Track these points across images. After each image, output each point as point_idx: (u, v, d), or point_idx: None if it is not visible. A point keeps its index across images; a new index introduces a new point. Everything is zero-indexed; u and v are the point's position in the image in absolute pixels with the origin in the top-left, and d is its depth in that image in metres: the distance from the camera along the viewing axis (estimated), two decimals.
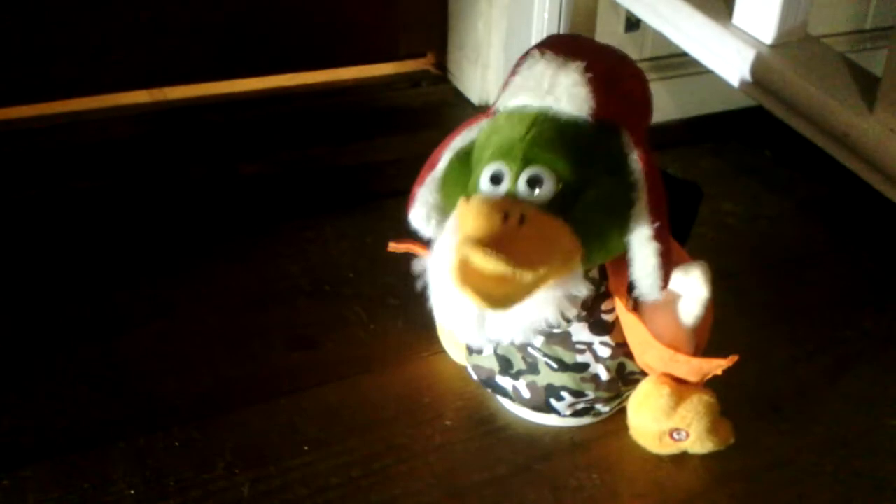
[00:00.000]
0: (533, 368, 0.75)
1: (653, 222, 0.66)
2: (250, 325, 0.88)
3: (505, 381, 0.77)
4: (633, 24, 1.17)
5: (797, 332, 0.92)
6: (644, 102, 0.73)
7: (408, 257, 0.77)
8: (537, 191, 0.65)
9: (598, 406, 0.77)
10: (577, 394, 0.75)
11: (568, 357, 0.74)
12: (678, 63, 1.20)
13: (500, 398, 0.81)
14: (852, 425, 0.82)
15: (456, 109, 1.27)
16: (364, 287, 0.94)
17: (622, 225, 0.67)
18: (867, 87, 0.87)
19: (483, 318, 0.66)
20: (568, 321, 0.70)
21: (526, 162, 0.65)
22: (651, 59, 1.21)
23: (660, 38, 1.08)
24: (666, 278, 0.67)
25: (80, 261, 0.95)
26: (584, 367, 0.74)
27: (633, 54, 1.19)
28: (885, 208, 0.89)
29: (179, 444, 0.75)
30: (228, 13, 1.17)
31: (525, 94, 0.68)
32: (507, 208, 0.64)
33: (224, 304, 0.91)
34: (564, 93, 0.66)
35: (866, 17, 1.30)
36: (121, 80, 1.17)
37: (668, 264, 0.67)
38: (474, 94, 1.26)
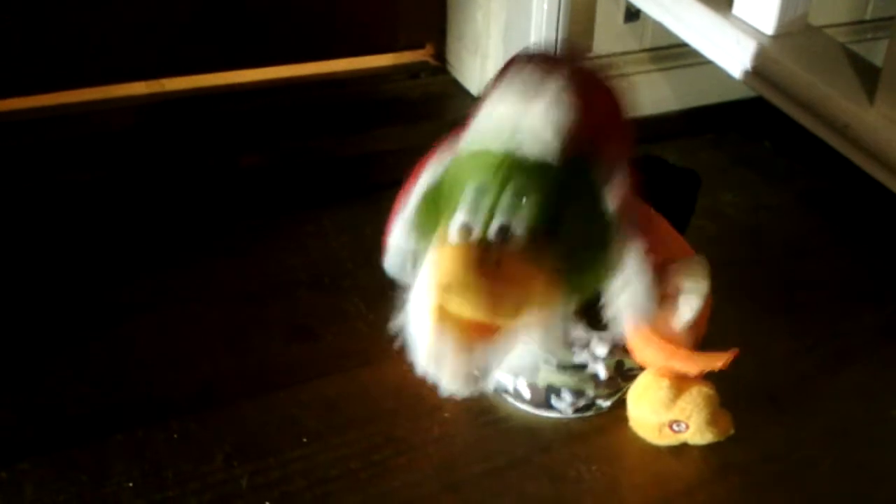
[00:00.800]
0: (534, 368, 0.75)
1: (633, 256, 0.65)
2: (249, 317, 0.88)
3: (506, 380, 0.77)
4: (632, 14, 1.16)
5: (796, 324, 0.92)
6: (617, 121, 0.71)
7: None
8: (509, 238, 0.63)
9: (599, 402, 0.78)
10: (577, 393, 0.75)
11: (566, 358, 0.74)
12: (678, 53, 1.20)
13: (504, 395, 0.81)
14: (852, 418, 0.82)
15: (455, 100, 1.26)
16: (363, 279, 0.94)
17: (599, 263, 0.65)
18: (868, 77, 0.86)
19: (468, 368, 0.65)
20: (551, 363, 0.70)
21: (494, 211, 0.63)
22: (651, 50, 1.20)
23: (659, 28, 1.07)
24: (649, 313, 0.66)
25: (79, 253, 0.95)
26: (583, 366, 0.74)
27: (633, 45, 1.19)
28: (885, 200, 0.89)
29: (178, 437, 0.75)
30: (226, 4, 1.16)
31: (489, 137, 0.65)
32: (482, 252, 0.63)
33: (223, 297, 0.91)
34: (528, 136, 0.63)
35: (867, 8, 1.30)
36: (118, 72, 1.17)
37: (653, 294, 0.66)
38: (473, 84, 1.26)
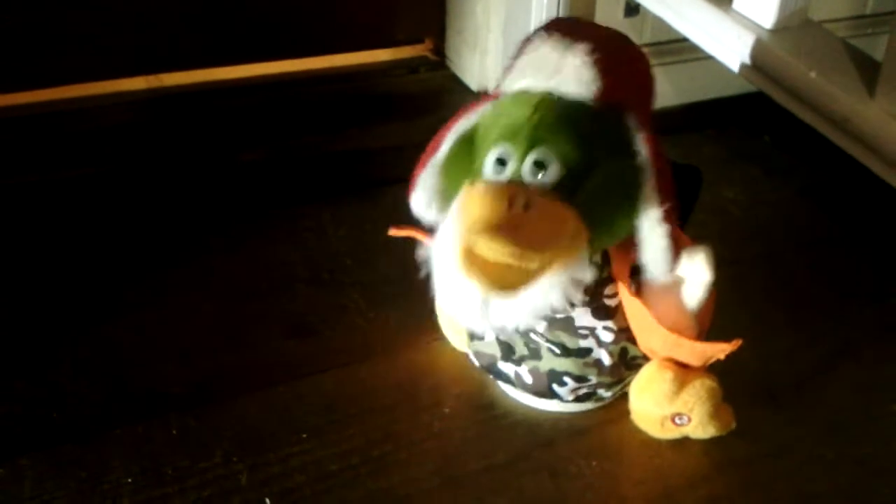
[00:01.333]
0: (535, 354, 0.75)
1: (661, 205, 0.66)
2: (248, 312, 0.88)
3: (507, 367, 0.77)
4: (632, 8, 1.16)
5: (797, 319, 0.92)
6: (648, 86, 0.73)
7: (406, 245, 0.76)
8: (542, 174, 0.64)
9: (601, 391, 0.77)
10: (580, 379, 0.75)
11: (571, 342, 0.74)
12: (678, 48, 1.20)
13: (501, 384, 0.80)
14: (853, 413, 0.82)
15: (454, 95, 1.26)
16: (362, 275, 0.93)
17: (628, 208, 0.67)
18: (868, 72, 0.86)
19: (487, 305, 0.66)
20: (573, 305, 0.70)
21: (531, 144, 0.65)
22: (650, 45, 1.20)
23: (659, 23, 1.07)
24: (675, 259, 0.67)
25: (77, 248, 0.95)
26: (587, 351, 0.74)
27: (633, 39, 1.19)
28: (885, 194, 0.89)
29: (177, 432, 0.75)
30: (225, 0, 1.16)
31: (530, 76, 0.67)
32: (512, 194, 0.63)
33: (222, 292, 0.91)
34: (570, 74, 0.65)
35: (866, 2, 1.30)
36: (117, 67, 1.17)
37: (676, 245, 0.67)
38: (473, 79, 1.26)
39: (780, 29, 0.92)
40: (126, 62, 1.17)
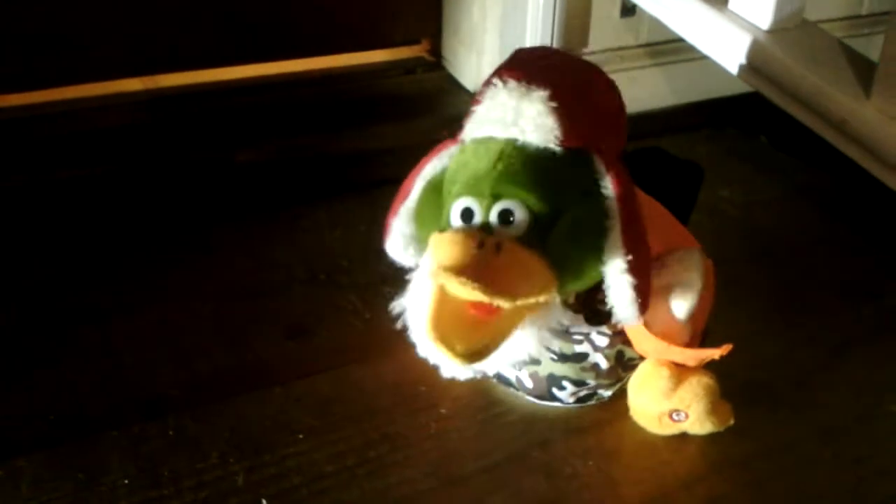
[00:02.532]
0: (534, 359, 0.75)
1: (626, 254, 0.64)
2: (245, 313, 0.88)
3: (508, 372, 0.78)
4: (628, 9, 1.16)
5: (794, 319, 0.92)
6: (616, 119, 0.72)
7: None
8: (510, 223, 0.64)
9: (601, 391, 0.78)
10: (579, 383, 0.75)
11: (567, 348, 0.74)
12: (674, 49, 1.20)
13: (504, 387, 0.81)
14: (851, 412, 0.82)
15: (451, 96, 1.26)
16: (359, 275, 0.93)
17: (597, 254, 0.65)
18: (864, 72, 0.86)
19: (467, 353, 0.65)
20: (551, 351, 0.69)
21: (495, 197, 0.64)
22: (647, 45, 1.20)
23: (656, 23, 1.07)
24: (642, 308, 0.66)
25: (73, 249, 0.95)
26: (584, 356, 0.74)
27: (629, 40, 1.19)
28: (881, 194, 0.89)
29: (174, 433, 0.75)
30: (221, 0, 1.16)
31: (490, 126, 0.66)
32: (482, 237, 0.63)
33: (219, 293, 0.90)
34: (529, 124, 0.64)
35: (862, 2, 1.30)
36: (113, 68, 1.17)
37: (644, 295, 0.66)
38: (469, 80, 1.26)
39: (777, 29, 0.92)
40: (122, 63, 1.16)
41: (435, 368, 0.82)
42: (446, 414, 0.79)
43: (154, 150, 1.11)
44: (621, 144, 0.72)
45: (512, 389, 0.80)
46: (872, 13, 1.30)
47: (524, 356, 0.67)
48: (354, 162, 1.12)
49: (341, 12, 1.24)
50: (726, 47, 0.94)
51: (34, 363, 0.81)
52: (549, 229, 0.64)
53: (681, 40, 1.03)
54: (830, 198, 1.12)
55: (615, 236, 0.65)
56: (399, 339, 0.85)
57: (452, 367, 0.65)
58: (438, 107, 1.23)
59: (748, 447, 0.77)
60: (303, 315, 0.88)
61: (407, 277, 0.71)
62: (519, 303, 0.62)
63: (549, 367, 0.75)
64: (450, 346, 0.62)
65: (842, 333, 0.90)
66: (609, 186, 0.65)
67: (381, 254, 0.93)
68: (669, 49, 1.20)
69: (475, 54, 1.23)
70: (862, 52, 0.91)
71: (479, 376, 0.75)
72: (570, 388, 0.76)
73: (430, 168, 0.71)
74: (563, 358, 0.74)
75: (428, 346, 0.65)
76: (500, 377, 0.79)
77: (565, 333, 0.73)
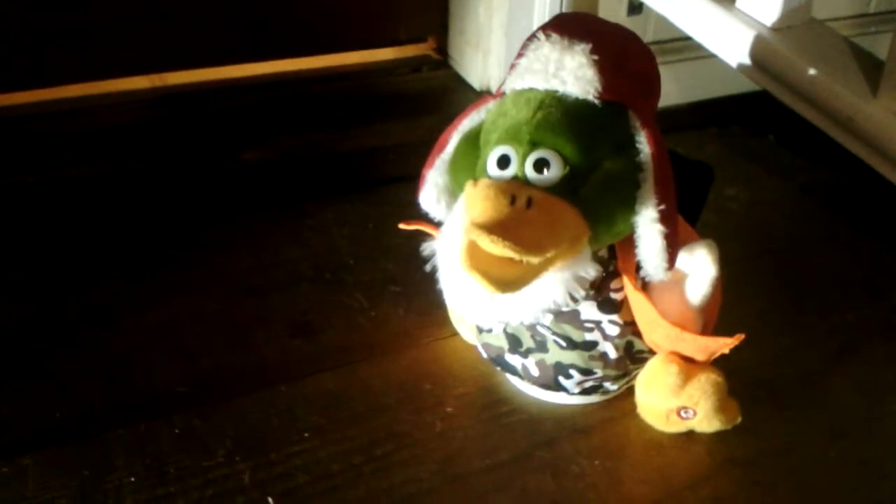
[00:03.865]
0: (542, 346, 0.75)
1: (658, 204, 0.66)
2: (251, 311, 0.88)
3: (514, 360, 0.77)
4: (635, 7, 1.16)
5: (800, 317, 0.92)
6: (652, 81, 0.73)
7: (408, 244, 0.76)
8: (544, 173, 0.65)
9: (607, 384, 0.77)
10: (586, 372, 0.75)
11: (577, 335, 0.74)
12: (681, 47, 1.19)
13: (509, 376, 0.80)
14: (855, 412, 0.82)
15: (457, 95, 1.26)
16: (365, 274, 0.93)
17: (629, 206, 0.67)
18: (871, 70, 0.86)
19: (492, 300, 0.66)
20: (576, 301, 0.70)
21: (533, 145, 0.65)
22: (653, 43, 1.20)
23: (662, 21, 1.07)
24: (671, 259, 0.67)
25: (80, 247, 0.95)
26: (593, 345, 0.74)
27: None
28: (888, 193, 0.89)
29: (180, 432, 0.75)
30: None
31: (531, 77, 0.67)
32: (515, 191, 0.64)
33: (225, 291, 0.91)
34: (570, 75, 0.66)
35: (870, 1, 1.29)
36: (120, 66, 1.17)
37: (673, 246, 0.67)
38: (475, 79, 1.26)
39: (784, 27, 0.92)
40: (129, 61, 1.17)
41: (441, 367, 0.83)
42: (452, 412, 0.79)
43: (161, 148, 1.11)
44: (655, 105, 0.73)
45: (517, 379, 0.79)
46: (880, 11, 1.30)
47: (550, 303, 0.67)
48: (361, 160, 1.12)
49: (348, 11, 1.24)
50: (733, 45, 0.94)
51: (40, 361, 0.81)
52: (583, 180, 0.65)
53: (687, 38, 1.03)
54: (837, 196, 1.12)
55: (648, 189, 0.66)
56: (405, 338, 0.86)
57: (482, 304, 0.66)
58: (444, 105, 1.23)
59: (754, 447, 0.77)
60: (309, 313, 0.88)
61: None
62: (549, 255, 0.63)
63: (557, 354, 0.75)
64: (484, 273, 0.62)
65: (848, 333, 0.90)
66: (644, 141, 0.67)
67: (388, 252, 0.93)
68: (676, 47, 1.20)
69: (481, 53, 1.23)
70: (869, 50, 0.90)
71: (503, 326, 0.76)
72: (576, 376, 0.76)
73: (467, 121, 0.72)
74: (572, 345, 0.74)
75: (461, 281, 0.66)
76: (504, 365, 0.78)
77: (577, 320, 0.73)
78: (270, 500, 0.70)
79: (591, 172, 0.66)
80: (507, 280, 0.63)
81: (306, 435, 0.76)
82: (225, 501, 0.70)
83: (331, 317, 0.88)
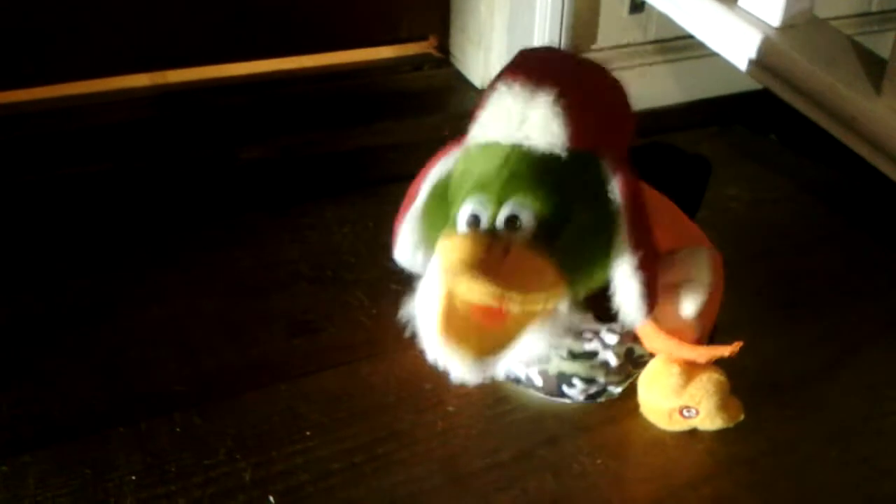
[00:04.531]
0: (544, 357, 0.75)
1: (635, 252, 0.64)
2: (251, 310, 0.88)
3: (518, 370, 0.77)
4: (637, 5, 1.16)
5: (801, 317, 0.92)
6: (623, 121, 0.71)
7: None
8: (517, 228, 0.63)
9: (610, 388, 0.78)
10: (589, 380, 0.75)
11: (576, 346, 0.74)
12: (683, 45, 1.19)
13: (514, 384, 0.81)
14: (856, 411, 0.81)
15: (458, 93, 1.26)
16: (365, 272, 0.93)
17: (605, 255, 0.65)
18: (874, 69, 0.86)
19: (477, 358, 0.65)
20: (559, 350, 0.70)
21: (501, 202, 0.64)
22: (655, 42, 1.20)
23: (664, 19, 1.07)
24: (650, 308, 0.66)
25: (80, 245, 0.95)
26: (593, 354, 0.74)
27: (638, 36, 1.19)
28: (891, 192, 0.88)
29: (181, 430, 0.75)
30: None
31: (495, 129, 0.66)
32: (490, 240, 0.63)
33: (225, 290, 0.90)
34: (535, 128, 0.64)
35: (873, 0, 1.29)
36: (121, 64, 1.17)
37: (651, 294, 0.66)
38: (477, 77, 1.25)
39: (787, 26, 0.92)
40: (130, 59, 1.16)
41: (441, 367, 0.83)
42: (453, 411, 0.79)
43: (161, 147, 1.11)
44: (628, 144, 0.71)
45: (521, 387, 0.79)
46: (883, 10, 1.30)
47: (534, 358, 0.67)
48: (361, 158, 1.12)
49: (349, 8, 1.23)
50: (735, 44, 0.94)
51: (40, 359, 0.81)
52: (556, 232, 0.64)
53: (689, 37, 1.03)
54: (839, 195, 1.12)
55: (622, 238, 0.65)
56: (406, 336, 0.86)
57: (463, 372, 0.65)
58: (446, 103, 1.23)
59: (755, 446, 0.77)
60: (310, 312, 0.88)
61: (418, 275, 0.71)
62: (528, 305, 0.62)
63: (559, 364, 0.75)
64: (460, 350, 0.61)
65: (849, 332, 0.90)
66: (616, 188, 0.65)
67: (388, 250, 0.93)
68: (678, 46, 1.20)
69: (483, 51, 1.23)
70: (872, 49, 0.90)
71: (488, 381, 0.75)
72: (579, 385, 0.76)
73: (434, 172, 0.71)
74: (573, 356, 0.74)
75: (438, 351, 0.65)
76: (509, 375, 0.79)
77: (575, 332, 0.73)
78: (271, 498, 0.70)
79: (563, 224, 0.64)
80: (485, 353, 0.62)
81: (307, 433, 0.75)
82: (226, 500, 0.70)
83: (331, 315, 0.88)
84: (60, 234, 0.96)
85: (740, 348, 0.72)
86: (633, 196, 0.65)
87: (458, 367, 0.64)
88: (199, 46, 1.19)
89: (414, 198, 0.72)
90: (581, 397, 0.77)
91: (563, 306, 0.66)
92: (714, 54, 0.99)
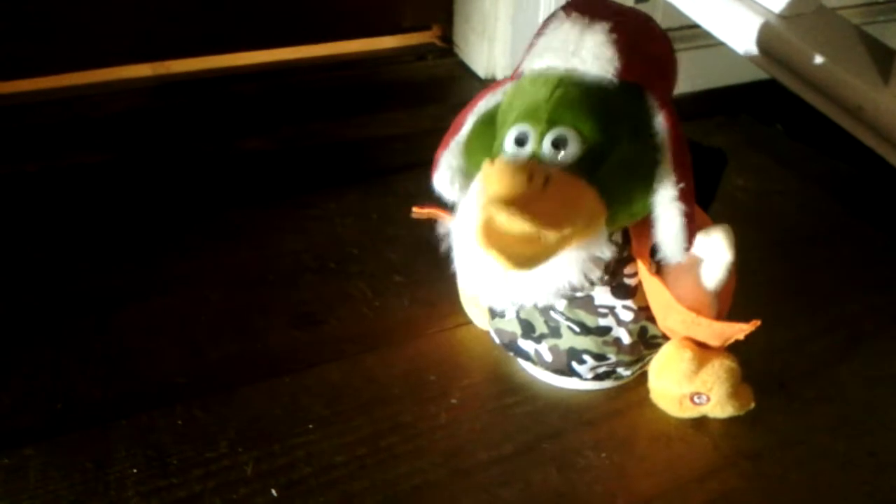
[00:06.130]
0: (555, 332, 0.75)
1: (677, 183, 0.66)
2: (254, 302, 0.88)
3: (527, 345, 0.77)
4: None
5: (808, 309, 0.91)
6: (669, 64, 0.72)
7: (413, 233, 0.76)
8: (562, 152, 0.64)
9: (620, 370, 0.77)
10: (599, 357, 0.75)
11: (590, 320, 0.73)
12: (689, 35, 1.18)
13: (521, 361, 0.80)
14: (864, 404, 0.81)
15: (462, 83, 1.25)
16: (369, 264, 0.93)
17: (647, 186, 0.66)
18: (882, 59, 0.85)
19: (507, 280, 0.66)
20: (592, 283, 0.69)
21: (551, 123, 0.65)
22: None
23: (670, 8, 1.06)
24: (690, 239, 0.67)
25: (80, 236, 0.94)
26: (607, 330, 0.74)
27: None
28: None
29: (182, 423, 0.75)
30: None
31: (550, 56, 0.67)
32: (532, 169, 0.63)
33: (227, 281, 0.90)
34: (589, 54, 0.65)
35: None
36: (122, 54, 1.16)
37: (692, 226, 0.66)
38: (480, 67, 1.25)
39: (793, 15, 0.91)
40: (132, 49, 1.16)
41: (446, 358, 0.83)
42: (457, 404, 0.78)
43: (163, 137, 1.10)
44: (671, 89, 0.72)
45: (528, 364, 0.79)
46: None
47: (565, 284, 0.66)
48: (365, 149, 1.11)
49: None
50: (741, 33, 0.93)
51: (41, 351, 0.81)
52: (601, 160, 0.65)
53: (695, 26, 1.02)
54: (846, 186, 1.11)
55: (666, 169, 0.66)
56: (409, 329, 0.85)
57: (497, 283, 0.65)
58: (449, 93, 1.23)
59: (761, 440, 0.76)
60: (312, 304, 0.88)
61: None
62: (566, 232, 0.62)
63: (571, 340, 0.75)
64: (500, 250, 0.61)
65: (857, 324, 0.90)
66: (661, 122, 0.66)
67: (392, 242, 0.93)
68: (684, 35, 1.19)
69: (486, 41, 1.22)
70: (879, 38, 0.89)
71: (515, 311, 0.75)
72: (590, 362, 0.75)
73: (483, 103, 0.72)
74: (586, 331, 0.74)
75: (475, 261, 0.65)
76: (517, 350, 0.78)
77: (591, 306, 0.73)
78: (273, 491, 0.70)
79: (609, 152, 0.65)
80: (524, 257, 0.62)
81: (310, 426, 0.75)
82: (228, 493, 0.69)
83: (335, 307, 0.87)
84: (60, 225, 0.96)
85: (754, 329, 0.71)
86: (677, 131, 0.67)
87: (491, 279, 0.65)
88: (200, 36, 1.18)
89: (459, 127, 0.72)
90: (589, 375, 0.76)
91: (601, 234, 0.66)
92: (720, 44, 0.98)
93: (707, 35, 1.00)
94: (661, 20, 1.17)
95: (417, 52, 1.30)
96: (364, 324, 0.86)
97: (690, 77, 1.23)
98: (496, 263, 0.62)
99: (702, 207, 0.78)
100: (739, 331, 0.72)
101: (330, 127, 1.14)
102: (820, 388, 0.82)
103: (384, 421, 0.76)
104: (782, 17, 0.91)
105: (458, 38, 1.29)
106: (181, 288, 0.89)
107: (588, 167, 0.64)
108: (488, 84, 0.68)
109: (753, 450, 0.76)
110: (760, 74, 0.98)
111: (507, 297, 0.67)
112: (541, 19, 1.14)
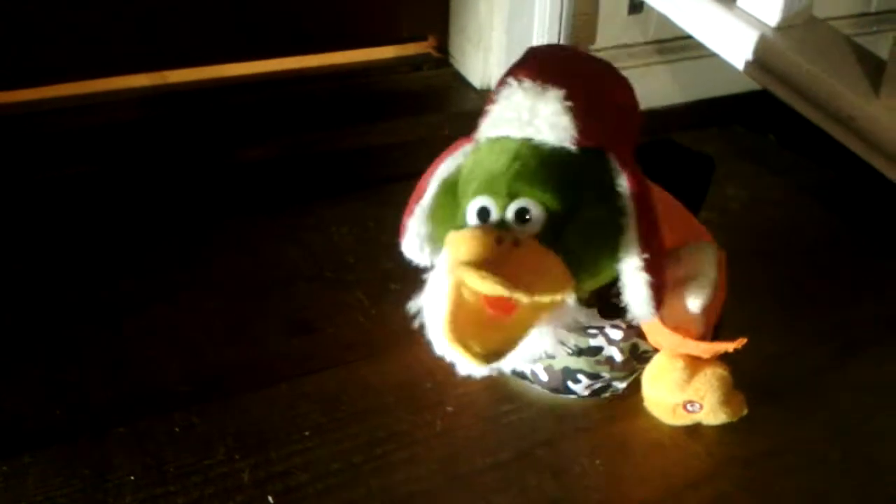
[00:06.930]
0: (550, 353, 0.75)
1: (642, 252, 0.65)
2: (251, 310, 0.88)
3: (523, 365, 0.78)
4: (636, 5, 1.16)
5: (800, 317, 0.92)
6: (631, 120, 0.72)
7: None
8: (526, 222, 0.64)
9: (615, 384, 0.78)
10: (594, 376, 0.75)
11: (582, 342, 0.74)
12: (682, 46, 1.19)
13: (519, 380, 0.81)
14: (857, 411, 0.81)
15: (457, 93, 1.26)
16: (365, 272, 0.93)
17: (612, 252, 0.66)
18: (873, 70, 0.86)
19: (484, 350, 0.65)
20: (566, 346, 0.70)
21: (511, 196, 0.64)
22: (654, 42, 1.20)
23: (664, 20, 1.07)
24: (657, 305, 0.66)
25: (79, 246, 0.95)
26: (599, 350, 0.75)
27: (636, 37, 1.19)
28: (889, 192, 0.88)
29: (180, 430, 0.75)
30: None
31: (505, 126, 0.66)
32: (500, 234, 0.63)
33: (224, 290, 0.90)
34: (545, 123, 0.65)
35: (871, 0, 1.29)
36: (121, 64, 1.16)
37: (659, 292, 0.66)
38: (476, 77, 1.25)
39: (785, 26, 0.92)
40: (130, 59, 1.16)
41: (441, 366, 0.82)
42: (453, 411, 0.79)
43: (161, 147, 1.11)
44: (635, 142, 0.71)
45: (526, 382, 0.79)
46: (881, 11, 1.30)
47: (540, 353, 0.67)
48: (361, 158, 1.12)
49: (348, 8, 1.23)
50: (734, 44, 0.94)
51: (40, 359, 0.81)
52: (564, 228, 0.64)
53: (688, 37, 1.03)
54: (838, 195, 1.12)
55: (631, 235, 0.65)
56: (405, 336, 0.85)
57: (469, 367, 0.65)
58: (445, 103, 1.23)
59: (756, 446, 0.77)
60: (309, 312, 0.88)
61: (418, 275, 0.71)
62: (536, 298, 0.62)
63: (565, 360, 0.75)
64: (467, 347, 0.62)
65: (849, 332, 0.90)
66: (624, 185, 0.66)
67: (388, 251, 0.93)
68: (677, 46, 1.20)
69: (482, 51, 1.23)
70: (870, 49, 0.90)
71: (494, 374, 0.75)
72: (585, 380, 0.76)
73: (444, 167, 0.71)
74: (579, 351, 0.74)
75: (445, 346, 0.65)
76: (514, 370, 0.79)
77: (580, 327, 0.73)
78: (270, 498, 0.70)
79: (572, 219, 0.64)
80: (492, 350, 0.62)
81: (306, 433, 0.75)
82: (225, 500, 0.70)
83: (331, 315, 0.88)
84: (59, 234, 0.96)
85: (741, 346, 0.72)
86: (641, 193, 0.66)
87: (464, 362, 0.65)
88: (199, 47, 1.19)
89: (423, 192, 0.72)
90: (586, 393, 0.77)
91: (571, 301, 0.66)
92: (713, 54, 0.99)
93: (700, 46, 1.00)
94: (654, 31, 1.19)
95: (413, 63, 1.30)
96: (360, 332, 0.86)
97: (684, 88, 1.24)
98: (464, 360, 0.62)
99: (692, 213, 0.78)
100: (724, 349, 0.73)
101: (327, 136, 1.14)
102: (812, 396, 0.83)
103: (380, 428, 0.76)
104: (775, 28, 0.91)
105: (454, 48, 1.29)
106: (178, 296, 0.89)
107: (552, 236, 0.64)
108: (483, 94, 0.68)
109: (746, 457, 0.76)
110: (753, 85, 0.99)
111: (482, 369, 0.66)
112: (536, 29, 1.15)
